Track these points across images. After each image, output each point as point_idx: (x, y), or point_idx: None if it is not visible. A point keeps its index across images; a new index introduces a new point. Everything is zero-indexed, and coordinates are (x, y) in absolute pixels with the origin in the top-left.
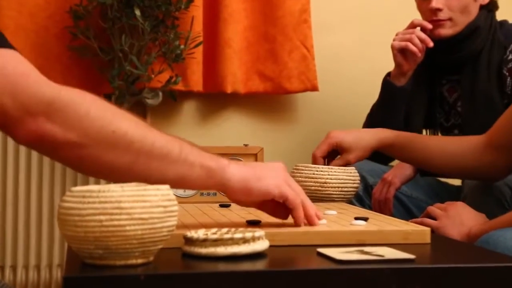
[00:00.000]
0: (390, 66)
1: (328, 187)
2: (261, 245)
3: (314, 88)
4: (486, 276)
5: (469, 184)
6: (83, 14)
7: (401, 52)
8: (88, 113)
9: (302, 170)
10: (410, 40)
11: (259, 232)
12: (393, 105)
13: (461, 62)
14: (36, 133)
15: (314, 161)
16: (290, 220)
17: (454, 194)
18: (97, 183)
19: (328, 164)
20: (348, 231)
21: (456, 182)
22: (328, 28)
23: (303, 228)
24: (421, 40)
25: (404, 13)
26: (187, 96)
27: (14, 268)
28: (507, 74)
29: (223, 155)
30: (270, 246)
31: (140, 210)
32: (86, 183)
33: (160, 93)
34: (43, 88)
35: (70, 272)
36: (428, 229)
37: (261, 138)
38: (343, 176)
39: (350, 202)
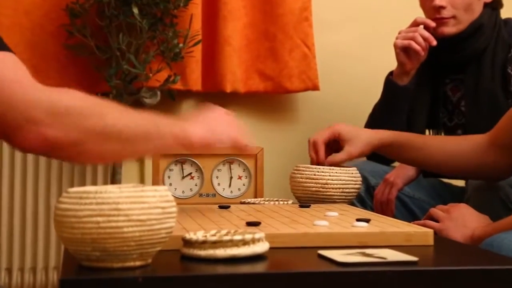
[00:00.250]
0: (392, 65)
1: (329, 188)
2: (261, 247)
3: (315, 88)
4: (490, 278)
5: (473, 185)
6: (79, 11)
7: (404, 51)
8: (82, 112)
9: (303, 170)
10: (413, 39)
11: (259, 234)
12: (396, 104)
13: (465, 61)
14: (38, 140)
15: (315, 147)
16: (290, 220)
17: (457, 196)
18: (94, 184)
19: (329, 160)
20: (349, 232)
21: (460, 183)
22: (330, 26)
23: (304, 230)
24: (424, 39)
25: (407, 11)
26: (185, 95)
27: (9, 270)
28: (511, 73)
29: (222, 155)
30: (270, 248)
31: (138, 211)
32: (83, 184)
33: (158, 93)
34: (39, 94)
35: (66, 274)
36: (431, 231)
37: (261, 138)
38: (345, 177)
39: (351, 203)
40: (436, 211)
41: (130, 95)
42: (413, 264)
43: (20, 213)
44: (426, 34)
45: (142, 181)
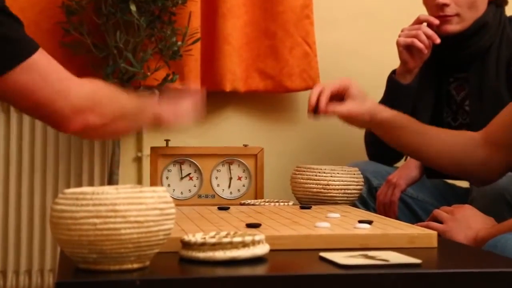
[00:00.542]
0: (395, 63)
1: (331, 189)
2: (261, 249)
3: None
4: (494, 281)
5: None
6: (76, 9)
7: (407, 49)
8: (109, 98)
9: (304, 171)
10: (416, 37)
11: (259, 236)
12: (399, 104)
13: (469, 59)
14: (82, 125)
15: (319, 92)
16: (291, 222)
17: (461, 197)
18: (91, 184)
19: (329, 108)
20: (351, 234)
21: (464, 184)
22: (331, 24)
23: (305, 232)
24: (428, 36)
25: (409, 9)
26: None
27: (4, 273)
28: None
29: (222, 156)
30: (271, 250)
31: (136, 213)
32: (79, 184)
33: (157, 92)
34: (79, 87)
35: (62, 277)
36: (434, 233)
37: (261, 138)
38: (346, 178)
39: (353, 204)
40: (440, 212)
41: None
42: (416, 267)
43: (15, 214)
44: (430, 32)
45: (139, 182)
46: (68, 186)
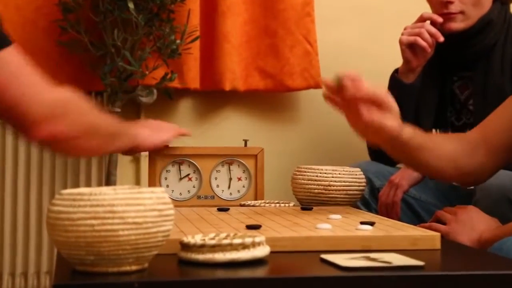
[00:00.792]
0: (398, 62)
1: (332, 190)
2: (262, 251)
3: (318, 86)
4: (499, 284)
5: (482, 187)
6: (73, 6)
7: (409, 47)
8: (82, 110)
9: (305, 172)
10: (419, 35)
11: (259, 238)
12: (401, 103)
13: (473, 58)
14: (47, 134)
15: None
16: (292, 224)
17: (465, 197)
18: (88, 185)
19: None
20: (353, 236)
21: None
22: (333, 22)
23: (306, 233)
24: (431, 35)
25: (412, 6)
26: (183, 94)
27: None
28: None
29: (221, 156)
30: (271, 252)
31: (134, 214)
32: (76, 185)
33: (155, 91)
34: (53, 94)
35: (59, 279)
36: (437, 234)
37: (261, 138)
38: (348, 179)
39: (355, 205)
40: (443, 213)
41: (125, 93)
42: (419, 269)
43: (10, 215)
44: (433, 30)
45: (137, 182)
46: (65, 187)
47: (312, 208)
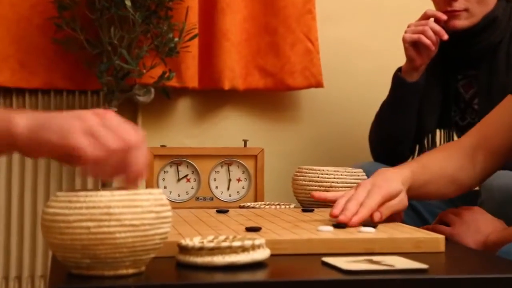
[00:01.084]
0: (401, 60)
1: (334, 192)
2: (261, 254)
3: (319, 85)
4: (504, 287)
5: (487, 188)
6: (68, 4)
7: (413, 45)
8: None
9: (306, 173)
10: (423, 32)
11: (259, 240)
12: (405, 103)
13: (478, 56)
14: None
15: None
16: (292, 226)
17: (470, 199)
18: (84, 187)
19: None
20: (355, 239)
21: None
22: (334, 19)
23: (307, 236)
24: (435, 32)
25: (416, 3)
26: (181, 93)
27: None
28: None
29: (220, 156)
30: (271, 255)
31: (131, 216)
32: (71, 187)
33: (152, 90)
34: None
35: (55, 283)
36: (442, 237)
37: (261, 138)
38: (350, 180)
39: None
40: (448, 214)
41: (122, 92)
42: (423, 272)
43: (4, 217)
44: (437, 27)
45: None
46: (60, 189)
47: (313, 210)
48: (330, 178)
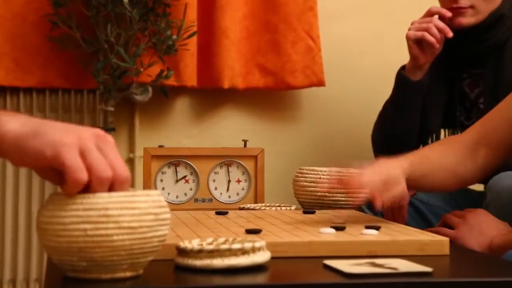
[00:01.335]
0: (404, 58)
1: (336, 193)
2: (262, 256)
3: (321, 83)
4: None
5: (493, 190)
6: (64, 0)
7: (417, 43)
8: None
9: (307, 173)
10: (427, 30)
11: (259, 243)
12: (408, 102)
13: (484, 54)
14: None
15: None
16: (293, 228)
17: (475, 201)
18: None
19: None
20: (358, 241)
21: (478, 187)
22: (336, 16)
23: (308, 238)
24: (440, 30)
25: (420, 0)
26: (179, 92)
27: None
28: None
29: (220, 157)
30: (272, 257)
31: (129, 218)
32: None
33: (150, 89)
34: None
35: (50, 286)
36: (446, 239)
37: (262, 138)
38: None
39: (360, 209)
40: (451, 217)
41: (119, 91)
42: (427, 275)
43: None
44: (441, 25)
45: (132, 185)
46: (56, 190)
47: (314, 211)
48: (332, 179)
